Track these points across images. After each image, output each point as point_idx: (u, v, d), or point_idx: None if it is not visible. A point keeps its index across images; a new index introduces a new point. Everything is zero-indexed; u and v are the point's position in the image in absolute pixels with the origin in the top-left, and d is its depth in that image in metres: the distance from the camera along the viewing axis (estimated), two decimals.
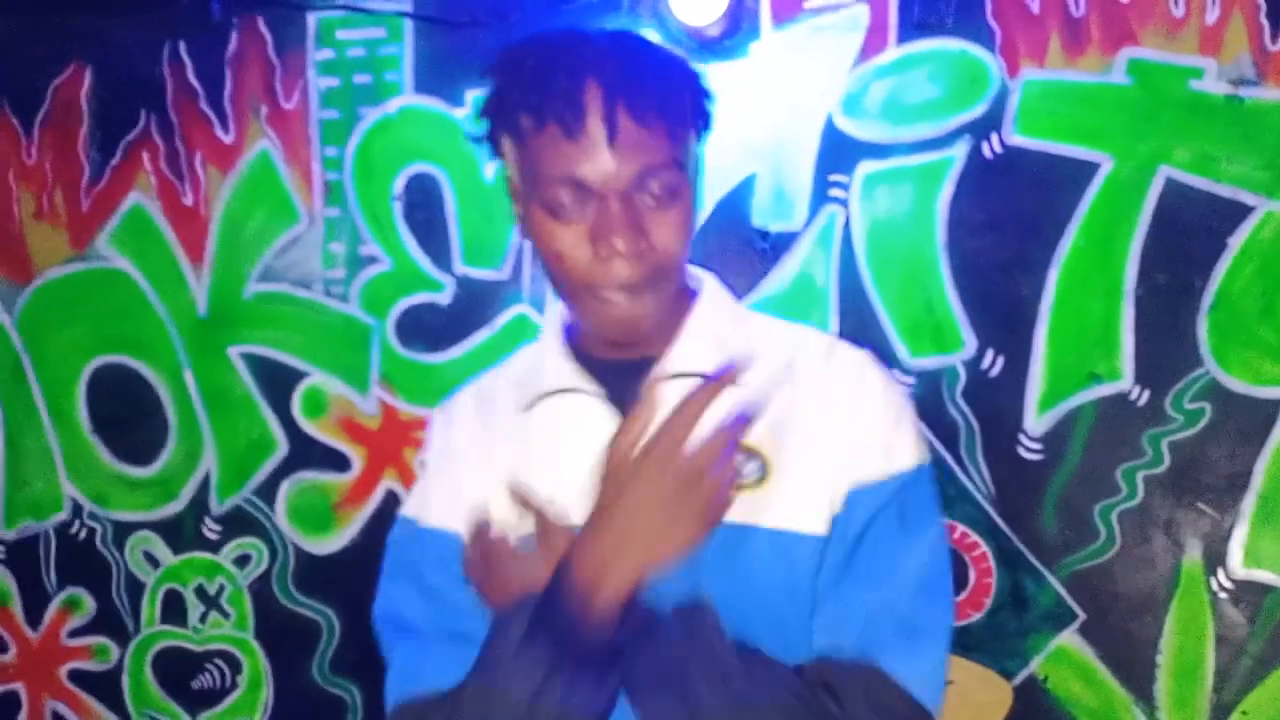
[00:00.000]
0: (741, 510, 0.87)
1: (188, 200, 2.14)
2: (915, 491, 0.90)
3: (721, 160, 1.98)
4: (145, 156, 2.14)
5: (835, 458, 0.89)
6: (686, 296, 0.98)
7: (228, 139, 2.12)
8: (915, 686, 0.83)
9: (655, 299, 0.89)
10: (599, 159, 0.84)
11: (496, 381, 1.04)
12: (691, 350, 0.94)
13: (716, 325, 0.97)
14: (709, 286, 1.01)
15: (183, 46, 2.10)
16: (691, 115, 0.91)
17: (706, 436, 0.81)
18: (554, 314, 1.03)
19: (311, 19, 2.07)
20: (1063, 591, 1.94)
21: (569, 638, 0.80)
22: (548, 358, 0.98)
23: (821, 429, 0.91)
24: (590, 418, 0.94)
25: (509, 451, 0.97)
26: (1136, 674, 1.93)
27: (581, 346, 0.98)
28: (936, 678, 0.86)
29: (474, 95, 2.02)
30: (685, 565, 0.83)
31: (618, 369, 0.94)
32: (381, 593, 1.01)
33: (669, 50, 0.92)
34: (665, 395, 0.84)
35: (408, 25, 2.05)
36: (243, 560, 2.20)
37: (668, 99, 0.87)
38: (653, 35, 1.94)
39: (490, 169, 2.04)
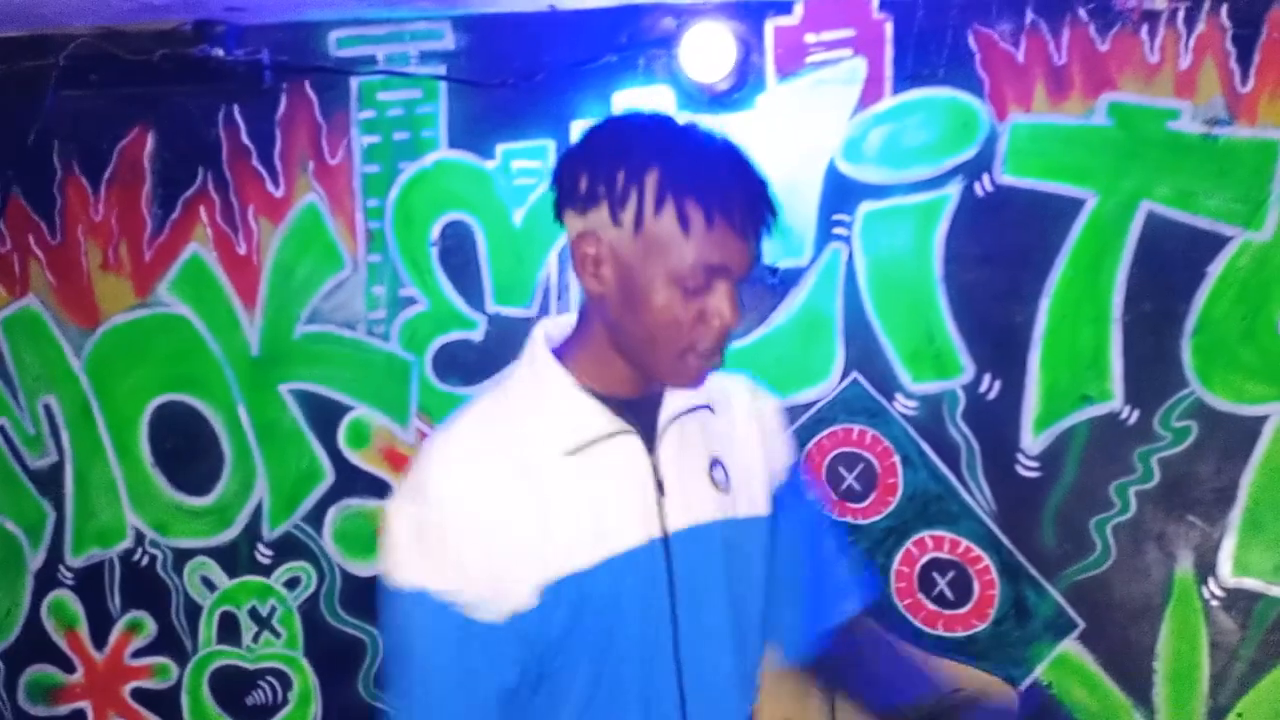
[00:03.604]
0: (723, 508, 1.06)
1: (241, 250, 2.29)
2: (799, 470, 1.22)
3: None
4: (202, 210, 2.29)
5: (762, 459, 1.14)
6: None
7: (278, 193, 2.27)
8: None
9: None
10: (747, 256, 0.99)
11: (506, 430, 1.01)
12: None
13: None
14: None
15: (237, 110, 2.26)
16: None
17: None
18: (545, 366, 1.03)
19: (354, 83, 2.23)
20: (1063, 601, 2.04)
21: None
22: (577, 403, 1.02)
23: (756, 440, 1.15)
24: (631, 455, 1.04)
25: (551, 495, 0.98)
26: (1135, 679, 2.02)
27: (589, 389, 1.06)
28: None
29: (503, 149, 2.18)
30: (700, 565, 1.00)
31: (624, 406, 1.05)
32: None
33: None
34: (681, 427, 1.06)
35: (442, 87, 2.20)
36: (293, 583, 2.32)
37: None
38: (667, 92, 2.09)
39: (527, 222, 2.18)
